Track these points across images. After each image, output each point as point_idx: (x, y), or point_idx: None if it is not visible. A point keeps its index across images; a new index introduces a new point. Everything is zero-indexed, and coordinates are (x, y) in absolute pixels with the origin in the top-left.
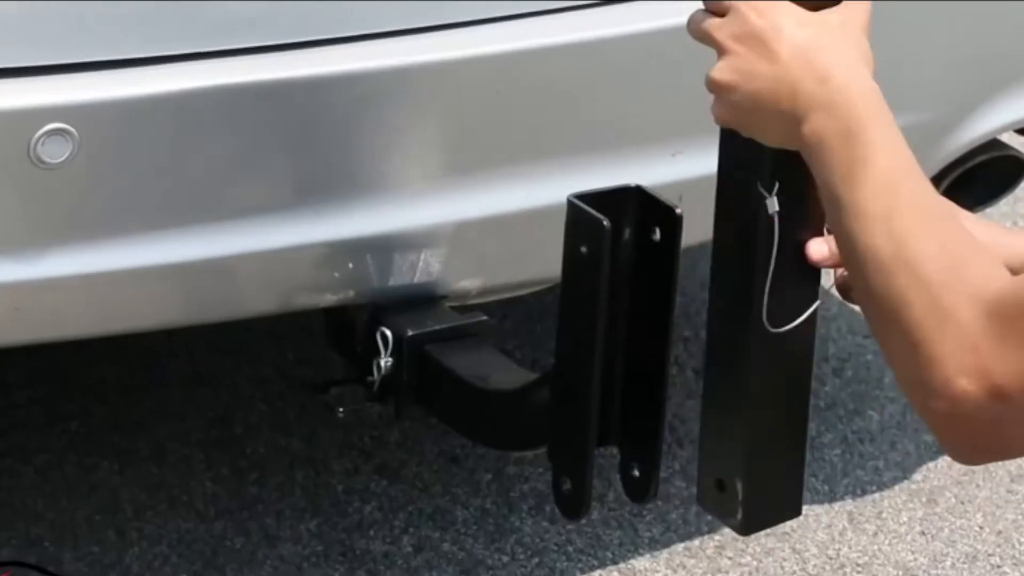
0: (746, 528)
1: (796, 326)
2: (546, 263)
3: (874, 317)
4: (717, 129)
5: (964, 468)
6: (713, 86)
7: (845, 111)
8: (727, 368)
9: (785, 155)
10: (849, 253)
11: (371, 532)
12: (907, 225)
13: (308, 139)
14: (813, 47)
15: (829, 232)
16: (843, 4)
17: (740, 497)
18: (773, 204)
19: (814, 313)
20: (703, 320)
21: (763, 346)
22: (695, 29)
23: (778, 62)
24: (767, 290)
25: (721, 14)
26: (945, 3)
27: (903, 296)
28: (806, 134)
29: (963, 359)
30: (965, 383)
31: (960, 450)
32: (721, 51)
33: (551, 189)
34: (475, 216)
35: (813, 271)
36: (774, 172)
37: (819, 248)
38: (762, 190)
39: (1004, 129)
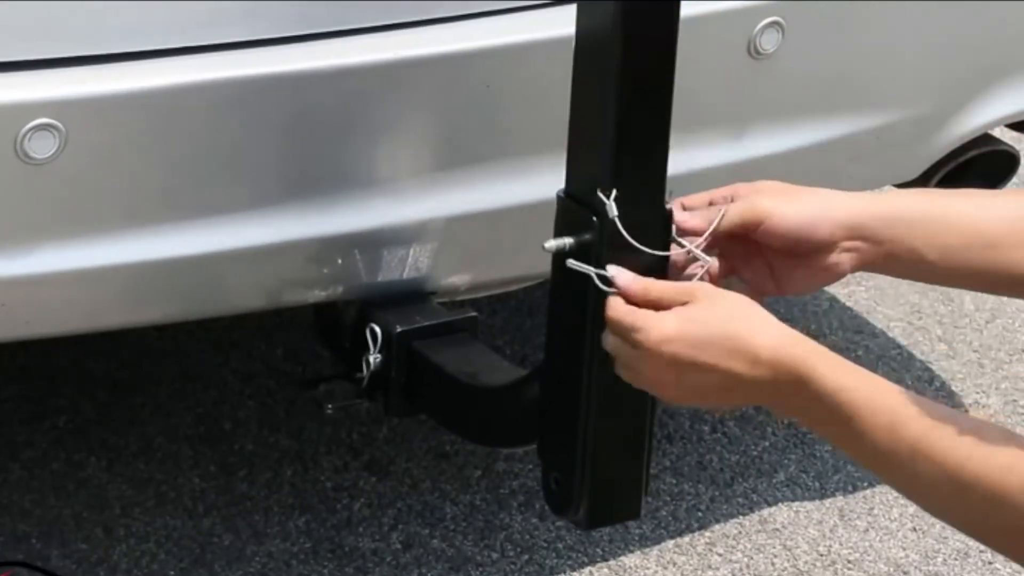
0: (587, 524)
1: None
2: (535, 259)
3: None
4: (707, 126)
5: None
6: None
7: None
8: (563, 361)
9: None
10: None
11: (360, 529)
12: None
13: (296, 135)
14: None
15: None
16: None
17: (576, 494)
18: (612, 208)
19: None
20: None
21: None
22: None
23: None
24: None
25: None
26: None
27: (986, 512)
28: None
29: None
30: None
31: None
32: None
33: (540, 185)
34: (464, 212)
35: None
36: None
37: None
38: (601, 195)
39: (996, 124)
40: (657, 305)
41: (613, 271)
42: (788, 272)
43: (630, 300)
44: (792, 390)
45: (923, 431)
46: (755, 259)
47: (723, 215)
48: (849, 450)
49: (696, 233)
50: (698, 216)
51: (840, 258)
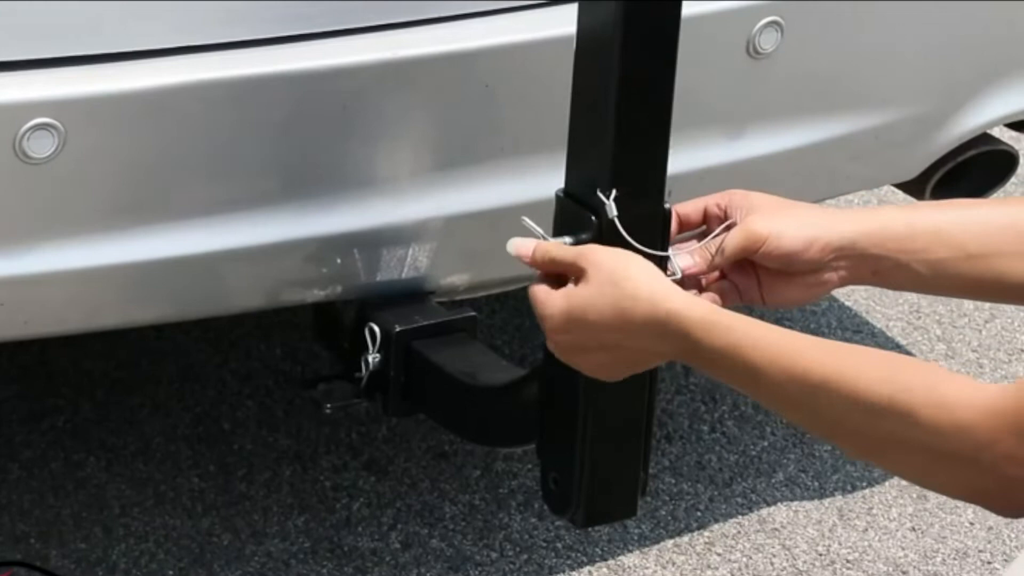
0: (584, 522)
1: None
2: None
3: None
4: (706, 125)
5: None
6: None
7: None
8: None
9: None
10: (819, 428)
11: (359, 528)
12: (844, 384)
13: (295, 134)
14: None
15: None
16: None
17: (575, 494)
18: (612, 208)
19: None
20: None
21: None
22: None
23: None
24: None
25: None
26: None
27: (899, 439)
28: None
29: (1001, 460)
30: (1013, 472)
31: (1010, 513)
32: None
33: (539, 184)
34: (463, 211)
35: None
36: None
37: (712, 298)
38: (600, 195)
39: (995, 123)
40: (562, 277)
41: (515, 243)
42: (777, 287)
43: (538, 267)
44: (689, 348)
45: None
46: (746, 270)
47: (722, 250)
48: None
49: (698, 274)
50: (697, 255)
51: (829, 275)
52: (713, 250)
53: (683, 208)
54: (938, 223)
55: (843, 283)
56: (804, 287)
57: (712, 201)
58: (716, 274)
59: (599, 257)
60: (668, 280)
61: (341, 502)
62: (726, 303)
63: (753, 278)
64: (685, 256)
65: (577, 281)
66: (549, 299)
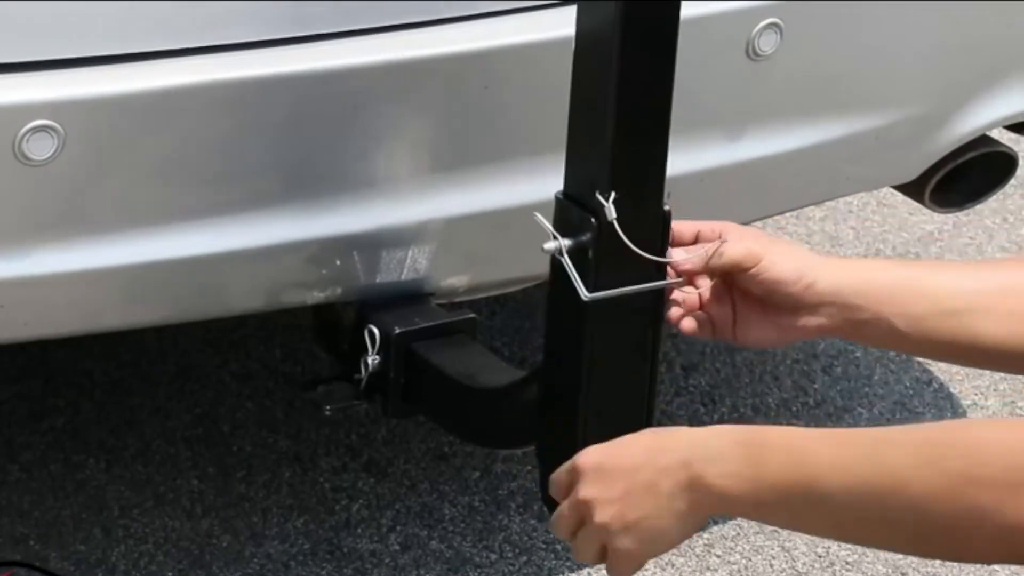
0: None
1: (621, 311)
2: (534, 260)
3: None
4: (705, 127)
5: None
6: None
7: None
8: (561, 362)
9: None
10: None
11: (358, 530)
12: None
13: (295, 135)
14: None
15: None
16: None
17: None
18: (611, 210)
19: (646, 309)
20: None
21: (582, 322)
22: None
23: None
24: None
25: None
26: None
27: (910, 526)
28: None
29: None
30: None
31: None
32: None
33: (539, 185)
34: (463, 212)
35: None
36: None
37: (690, 324)
38: (599, 197)
39: (994, 125)
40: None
41: None
42: (752, 322)
43: None
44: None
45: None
46: (724, 301)
47: (720, 251)
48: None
49: (693, 273)
50: (692, 252)
51: (807, 320)
52: (710, 253)
53: (677, 226)
54: (920, 277)
55: (820, 332)
56: (779, 328)
57: (707, 224)
58: (697, 298)
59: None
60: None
61: (340, 503)
62: (700, 335)
63: (729, 310)
64: (680, 251)
65: None
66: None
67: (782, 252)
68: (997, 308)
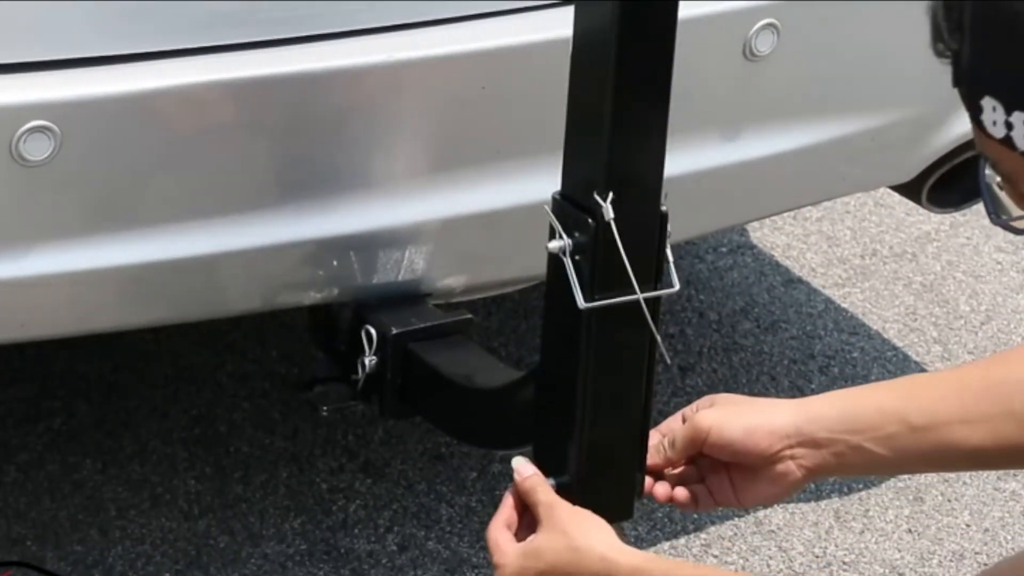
0: None
1: (618, 315)
2: (531, 261)
3: None
4: (703, 128)
5: None
6: None
7: None
8: (558, 363)
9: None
10: None
11: (355, 531)
12: None
13: (292, 136)
14: None
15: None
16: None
17: (569, 496)
18: (608, 211)
19: (642, 313)
20: (687, 317)
21: (579, 326)
22: None
23: None
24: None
25: None
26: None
27: None
28: None
29: None
30: None
31: None
32: None
33: (536, 186)
34: (460, 213)
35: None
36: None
37: (682, 494)
38: (597, 197)
39: None
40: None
41: (520, 461)
42: (746, 484)
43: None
44: None
45: None
46: (718, 470)
47: (672, 442)
48: None
49: (655, 468)
50: (651, 451)
51: (787, 467)
52: (667, 446)
53: (667, 423)
54: (880, 399)
55: (809, 475)
56: (769, 482)
57: (690, 408)
58: (679, 470)
59: (563, 517)
60: (624, 546)
61: (337, 504)
62: (700, 508)
63: (725, 478)
64: (663, 486)
65: (536, 527)
66: (504, 549)
67: (731, 414)
68: (962, 415)
